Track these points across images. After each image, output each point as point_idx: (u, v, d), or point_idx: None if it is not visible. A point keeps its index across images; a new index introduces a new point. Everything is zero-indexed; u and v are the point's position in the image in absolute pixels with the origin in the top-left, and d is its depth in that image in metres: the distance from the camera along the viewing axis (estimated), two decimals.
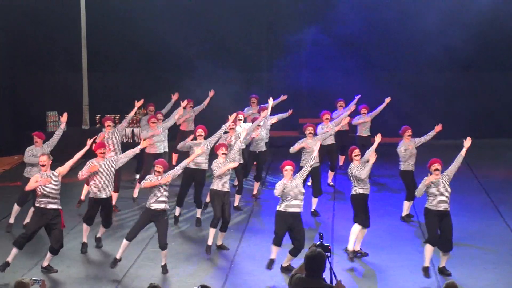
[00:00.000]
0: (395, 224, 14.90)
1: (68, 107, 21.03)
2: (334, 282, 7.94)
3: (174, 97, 18.26)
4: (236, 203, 15.85)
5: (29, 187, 12.36)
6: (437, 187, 12.10)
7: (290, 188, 12.02)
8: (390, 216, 15.24)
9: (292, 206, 12.10)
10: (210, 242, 13.27)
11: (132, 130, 19.76)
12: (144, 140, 13.76)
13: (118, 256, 12.44)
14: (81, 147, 13.37)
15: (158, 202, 12.27)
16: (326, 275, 7.72)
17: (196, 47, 22.19)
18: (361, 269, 12.59)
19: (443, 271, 12.20)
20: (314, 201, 15.44)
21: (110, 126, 15.70)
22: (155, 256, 12.97)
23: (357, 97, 18.16)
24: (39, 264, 12.65)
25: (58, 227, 12.18)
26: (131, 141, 19.58)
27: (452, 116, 21.79)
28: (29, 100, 21.11)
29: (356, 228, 12.83)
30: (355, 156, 13.00)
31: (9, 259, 12.15)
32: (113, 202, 15.51)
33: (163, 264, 12.47)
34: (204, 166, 14.61)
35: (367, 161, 12.95)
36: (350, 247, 12.86)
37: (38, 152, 13.84)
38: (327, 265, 7.74)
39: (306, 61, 22.56)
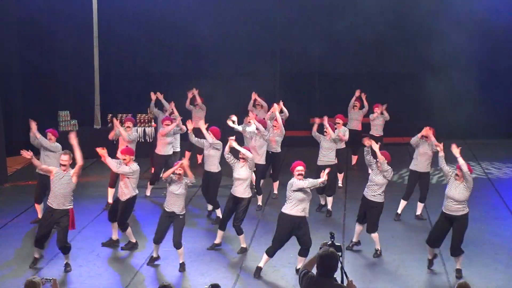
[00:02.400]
0: (407, 224, 14.90)
1: (80, 107, 21.31)
2: (345, 282, 7.88)
3: (158, 96, 18.32)
4: (259, 202, 16.02)
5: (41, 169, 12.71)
6: (450, 190, 12.07)
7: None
8: (402, 215, 15.19)
9: (298, 209, 12.04)
10: (217, 241, 13.52)
11: (144, 130, 19.74)
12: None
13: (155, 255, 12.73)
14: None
15: (170, 204, 12.45)
16: (337, 274, 7.67)
17: (208, 46, 22.17)
18: (372, 268, 12.57)
19: (457, 272, 12.17)
20: (329, 200, 15.52)
21: (130, 127, 15.77)
22: (167, 255, 12.96)
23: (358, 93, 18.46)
24: (50, 264, 12.70)
25: (63, 226, 12.17)
26: (143, 140, 19.54)
27: (467, 116, 21.82)
28: (41, 100, 21.05)
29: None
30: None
31: (36, 255, 12.48)
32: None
33: (180, 262, 12.56)
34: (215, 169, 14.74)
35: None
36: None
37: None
38: (339, 264, 7.64)
39: (315, 61, 22.50)
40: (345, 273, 8.15)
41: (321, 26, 21.98)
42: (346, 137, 16.27)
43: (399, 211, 15.05)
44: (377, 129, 18.23)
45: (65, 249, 12.29)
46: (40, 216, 14.59)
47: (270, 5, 22.27)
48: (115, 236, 13.54)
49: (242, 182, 13.21)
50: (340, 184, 17.28)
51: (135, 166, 13.04)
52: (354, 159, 18.98)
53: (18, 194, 15.85)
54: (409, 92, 21.99)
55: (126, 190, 13.04)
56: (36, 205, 14.80)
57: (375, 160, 12.87)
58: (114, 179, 15.25)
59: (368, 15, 21.83)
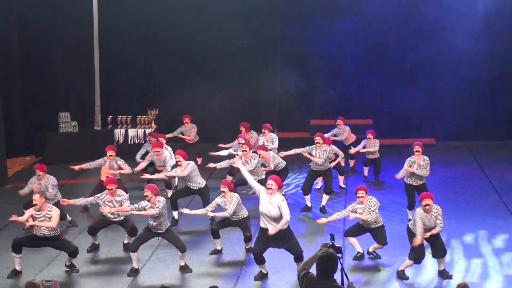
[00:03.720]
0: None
1: (80, 108, 21.31)
2: (346, 283, 7.91)
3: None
4: None
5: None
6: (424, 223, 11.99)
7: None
8: (402, 217, 15.22)
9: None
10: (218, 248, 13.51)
11: (144, 131, 19.76)
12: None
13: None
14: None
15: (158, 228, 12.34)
16: (337, 276, 7.67)
17: (209, 47, 22.16)
18: (371, 270, 12.57)
19: (444, 273, 12.16)
20: (325, 197, 15.65)
21: (112, 155, 15.46)
22: (166, 257, 13.01)
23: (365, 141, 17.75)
24: (50, 266, 12.74)
25: (58, 239, 12.27)
26: (143, 142, 19.47)
27: (466, 118, 21.85)
28: (41, 101, 21.10)
29: None
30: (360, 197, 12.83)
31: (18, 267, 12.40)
32: None
33: (182, 264, 12.54)
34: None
35: None
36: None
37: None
38: (339, 266, 7.68)
39: (318, 63, 22.49)
40: (345, 274, 8.12)
41: (322, 26, 21.96)
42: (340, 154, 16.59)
43: (410, 217, 14.85)
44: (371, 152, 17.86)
45: (75, 253, 12.37)
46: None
47: (271, 5, 22.27)
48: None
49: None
50: (343, 185, 17.34)
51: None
52: (352, 162, 18.85)
53: (18, 195, 15.81)
54: (409, 93, 21.85)
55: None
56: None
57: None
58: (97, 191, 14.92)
59: (369, 16, 21.85)
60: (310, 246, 13.30)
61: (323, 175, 15.69)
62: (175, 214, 15.02)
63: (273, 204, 11.59)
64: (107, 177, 13.80)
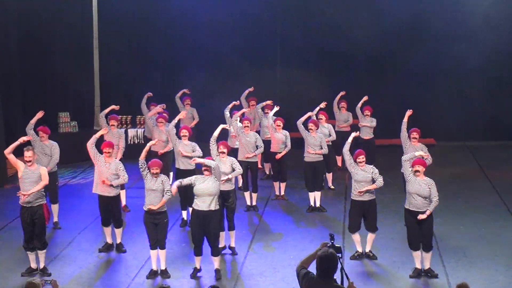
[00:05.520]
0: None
1: (80, 108, 21.35)
2: (346, 283, 7.92)
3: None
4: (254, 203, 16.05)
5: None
6: (412, 187, 12.00)
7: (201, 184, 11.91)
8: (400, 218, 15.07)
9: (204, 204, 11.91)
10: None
11: (144, 131, 19.78)
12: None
13: (153, 267, 12.38)
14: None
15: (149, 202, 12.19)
16: (337, 276, 7.69)
17: (209, 48, 22.24)
18: (371, 270, 12.59)
19: (430, 272, 12.21)
20: (318, 195, 15.75)
21: (114, 125, 15.73)
22: (166, 256, 12.90)
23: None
24: (50, 265, 12.74)
25: (39, 222, 12.20)
26: (142, 142, 19.55)
27: (465, 118, 21.97)
28: (41, 101, 20.95)
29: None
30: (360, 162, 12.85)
31: (33, 265, 12.43)
32: (124, 202, 15.74)
33: (163, 268, 12.40)
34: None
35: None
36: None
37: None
38: (339, 266, 7.70)
39: (313, 64, 22.56)
40: (345, 274, 8.14)
41: (323, 23, 22.12)
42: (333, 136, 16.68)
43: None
44: (366, 133, 17.97)
45: (42, 246, 12.32)
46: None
47: (271, 6, 22.36)
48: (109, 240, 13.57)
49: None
50: (331, 186, 17.33)
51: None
52: (339, 160, 18.86)
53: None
54: (409, 94, 21.96)
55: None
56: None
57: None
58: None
59: (372, 15, 21.97)
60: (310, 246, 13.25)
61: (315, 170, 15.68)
62: (184, 214, 14.98)
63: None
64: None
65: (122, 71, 22.41)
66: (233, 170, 13.34)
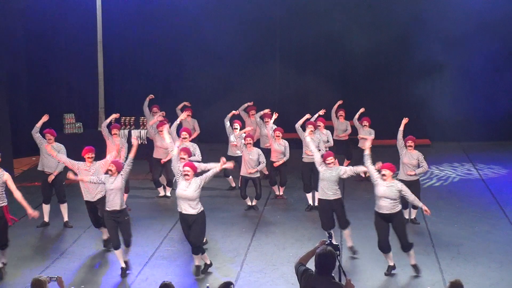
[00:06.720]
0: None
1: (85, 109, 21.39)
2: (343, 280, 8.00)
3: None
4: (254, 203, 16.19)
5: None
6: (379, 190, 12.14)
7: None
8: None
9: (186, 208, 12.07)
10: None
11: (146, 132, 19.92)
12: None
13: (122, 265, 12.47)
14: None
15: (110, 202, 12.27)
16: (334, 273, 7.82)
17: (211, 50, 22.28)
18: (367, 268, 12.65)
19: (414, 268, 12.33)
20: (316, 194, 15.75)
21: (116, 134, 15.85)
22: (168, 254, 13.16)
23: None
24: (56, 263, 12.94)
25: (1, 223, 12.36)
26: (145, 142, 19.61)
27: (460, 119, 22.07)
28: (47, 103, 21.18)
29: None
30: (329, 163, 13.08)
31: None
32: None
33: (123, 265, 12.45)
34: None
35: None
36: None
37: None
38: (336, 263, 7.79)
39: (312, 66, 22.62)
40: (343, 271, 8.28)
41: (321, 24, 22.11)
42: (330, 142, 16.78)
43: (406, 216, 14.94)
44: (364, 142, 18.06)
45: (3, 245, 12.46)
46: (46, 219, 14.93)
47: (272, 6, 22.41)
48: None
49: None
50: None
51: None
52: (346, 163, 18.73)
53: (25, 195, 15.45)
54: (404, 94, 22.09)
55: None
56: (44, 206, 14.96)
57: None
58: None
59: (366, 18, 22.02)
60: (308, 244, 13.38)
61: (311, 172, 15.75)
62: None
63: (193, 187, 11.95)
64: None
65: (126, 74, 22.49)
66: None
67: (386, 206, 12.06)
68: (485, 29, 21.55)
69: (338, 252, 7.88)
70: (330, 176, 13.00)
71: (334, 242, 8.11)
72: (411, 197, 12.16)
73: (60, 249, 13.54)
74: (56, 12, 21.18)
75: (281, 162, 16.30)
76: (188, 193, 11.95)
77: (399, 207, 12.16)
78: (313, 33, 22.28)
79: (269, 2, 22.30)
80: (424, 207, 12.13)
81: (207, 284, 9.97)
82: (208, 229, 14.40)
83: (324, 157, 13.11)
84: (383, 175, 12.08)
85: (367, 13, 22.04)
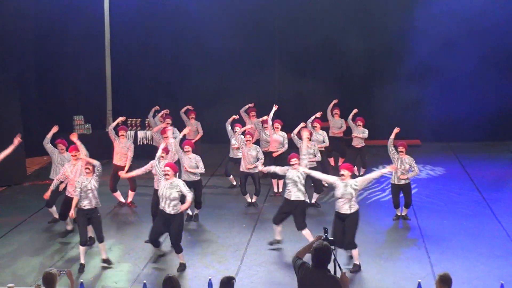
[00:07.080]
0: (394, 222, 15.25)
1: (93, 111, 21.40)
2: (338, 273, 8.24)
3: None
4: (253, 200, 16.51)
5: None
6: (337, 192, 12.36)
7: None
8: (389, 212, 15.53)
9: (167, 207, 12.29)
10: None
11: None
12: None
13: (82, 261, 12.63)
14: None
15: (87, 202, 12.58)
16: (330, 266, 7.98)
17: (216, 53, 22.41)
18: (362, 260, 12.67)
19: (354, 266, 12.49)
20: (315, 196, 16.25)
21: (123, 135, 16.20)
22: (172, 250, 13.09)
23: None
24: (65, 257, 13.24)
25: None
26: (151, 143, 19.67)
27: (449, 120, 22.19)
28: (57, 105, 21.46)
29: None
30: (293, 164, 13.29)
31: None
32: (130, 199, 16.36)
33: (104, 257, 12.76)
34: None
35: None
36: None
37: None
38: (332, 257, 7.96)
39: (310, 69, 22.78)
40: (338, 265, 8.46)
41: (318, 28, 22.27)
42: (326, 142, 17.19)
43: (398, 213, 15.30)
44: (358, 142, 18.38)
45: None
46: (56, 216, 15.05)
47: (271, 12, 22.57)
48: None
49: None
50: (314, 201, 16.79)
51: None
52: (331, 160, 19.21)
53: (37, 192, 16.10)
54: (394, 95, 22.13)
55: None
56: (49, 209, 15.07)
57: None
58: (115, 183, 16.02)
59: (363, 23, 22.18)
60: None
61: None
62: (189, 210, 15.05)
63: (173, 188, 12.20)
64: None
65: (133, 77, 22.60)
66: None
67: (343, 206, 12.28)
68: (474, 34, 21.65)
69: (333, 246, 8.09)
70: (293, 177, 13.25)
71: (330, 237, 8.33)
72: (366, 180, 12.54)
73: (70, 244, 13.83)
74: (65, 17, 21.36)
75: (279, 152, 16.81)
76: (167, 193, 12.24)
77: (354, 208, 12.36)
78: (311, 37, 22.43)
79: (268, 9, 22.43)
80: (386, 169, 12.91)
81: (210, 277, 10.32)
82: (210, 225, 15.09)
83: (288, 159, 13.43)
84: (342, 175, 12.31)
85: (363, 19, 22.19)
